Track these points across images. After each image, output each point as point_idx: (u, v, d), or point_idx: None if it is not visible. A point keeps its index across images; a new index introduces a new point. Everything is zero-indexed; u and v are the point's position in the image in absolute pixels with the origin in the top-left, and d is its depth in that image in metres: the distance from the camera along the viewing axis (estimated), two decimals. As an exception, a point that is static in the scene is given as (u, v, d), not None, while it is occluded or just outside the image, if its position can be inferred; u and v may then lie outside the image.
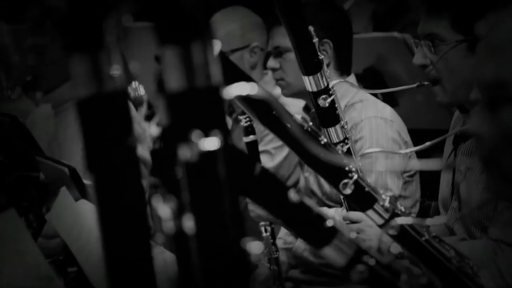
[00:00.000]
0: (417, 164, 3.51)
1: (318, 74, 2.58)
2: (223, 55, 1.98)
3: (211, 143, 0.99)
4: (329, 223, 1.49)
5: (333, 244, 1.50)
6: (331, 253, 1.50)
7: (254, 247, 1.04)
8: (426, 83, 2.78)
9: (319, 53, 2.59)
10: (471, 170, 2.75)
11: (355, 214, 2.72)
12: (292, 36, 2.52)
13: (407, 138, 3.53)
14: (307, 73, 2.58)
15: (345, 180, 2.02)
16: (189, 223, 1.01)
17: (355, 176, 2.03)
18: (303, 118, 2.31)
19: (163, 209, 1.04)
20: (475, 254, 2.47)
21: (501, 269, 2.52)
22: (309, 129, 2.05)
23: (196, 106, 1.00)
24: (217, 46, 1.94)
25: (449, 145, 2.96)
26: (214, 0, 4.63)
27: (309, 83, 2.60)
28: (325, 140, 2.20)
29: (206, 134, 0.99)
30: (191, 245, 1.02)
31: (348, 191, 2.02)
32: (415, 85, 2.78)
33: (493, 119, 1.36)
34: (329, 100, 2.60)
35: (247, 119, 3.10)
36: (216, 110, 1.00)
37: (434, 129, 3.41)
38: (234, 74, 2.01)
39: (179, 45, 0.99)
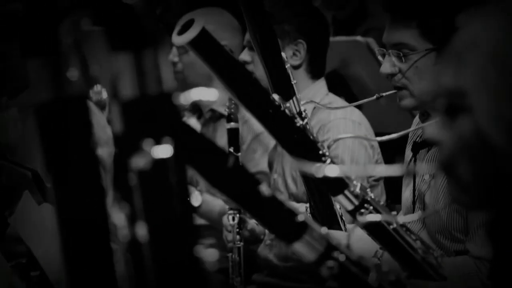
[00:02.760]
0: (380, 170, 3.51)
1: (291, 100, 2.54)
2: (206, 32, 1.95)
3: (163, 151, 0.99)
4: (300, 217, 1.48)
5: (303, 239, 1.49)
6: (302, 248, 1.50)
7: (208, 254, 1.04)
8: (384, 94, 2.78)
9: (292, 78, 2.56)
10: (435, 179, 2.75)
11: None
12: (265, 64, 2.46)
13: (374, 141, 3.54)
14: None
15: (318, 164, 2.02)
16: (142, 231, 1.01)
17: (329, 160, 2.03)
18: (280, 99, 2.29)
19: (118, 216, 1.03)
20: (457, 271, 2.48)
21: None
22: (286, 110, 2.04)
23: (148, 113, 1.00)
24: (198, 23, 1.92)
25: (408, 152, 2.97)
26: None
27: None
28: (301, 122, 2.18)
29: (158, 142, 0.99)
30: (145, 253, 1.02)
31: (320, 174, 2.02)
32: (374, 97, 2.78)
33: (450, 127, 1.37)
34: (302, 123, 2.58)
35: (232, 106, 3.08)
36: (169, 117, 0.99)
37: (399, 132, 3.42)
38: (216, 51, 1.99)
39: (131, 51, 0.99)
